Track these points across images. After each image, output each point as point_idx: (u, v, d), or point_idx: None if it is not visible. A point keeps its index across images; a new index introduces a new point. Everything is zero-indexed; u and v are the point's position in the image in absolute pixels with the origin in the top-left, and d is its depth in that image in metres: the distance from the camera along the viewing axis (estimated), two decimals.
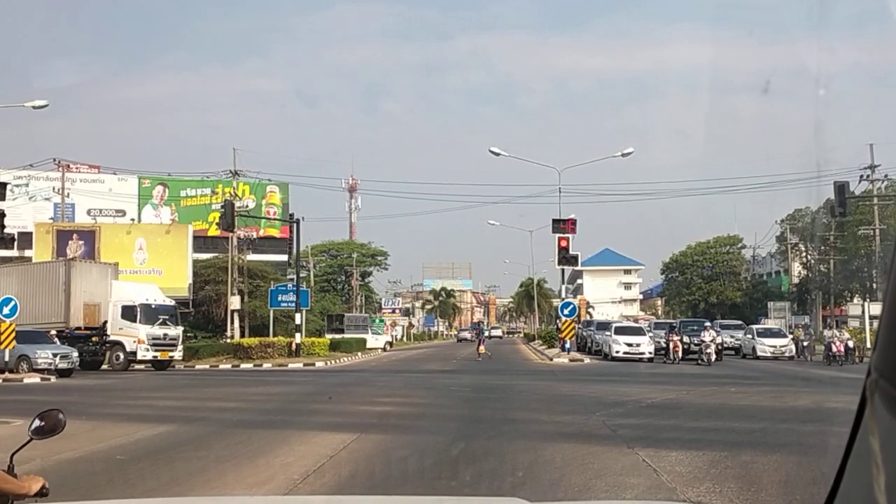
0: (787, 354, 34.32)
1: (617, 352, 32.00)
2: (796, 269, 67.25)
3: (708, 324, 34.22)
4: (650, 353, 31.94)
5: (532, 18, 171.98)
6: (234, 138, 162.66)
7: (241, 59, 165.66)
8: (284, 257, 50.11)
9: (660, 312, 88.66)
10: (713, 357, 29.88)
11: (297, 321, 37.23)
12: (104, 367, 30.39)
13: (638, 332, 34.30)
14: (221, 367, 33.13)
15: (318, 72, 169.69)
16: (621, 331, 34.32)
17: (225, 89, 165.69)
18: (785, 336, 37.26)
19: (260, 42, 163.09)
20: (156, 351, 30.49)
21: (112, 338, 30.42)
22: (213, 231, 48.86)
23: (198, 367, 33.32)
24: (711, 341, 30.16)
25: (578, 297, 76.86)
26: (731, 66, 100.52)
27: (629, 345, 32.08)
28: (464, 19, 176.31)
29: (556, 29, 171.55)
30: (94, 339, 30.66)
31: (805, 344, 33.39)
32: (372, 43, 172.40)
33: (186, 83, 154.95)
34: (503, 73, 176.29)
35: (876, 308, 37.12)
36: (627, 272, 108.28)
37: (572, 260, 34.18)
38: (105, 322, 30.71)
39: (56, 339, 28.22)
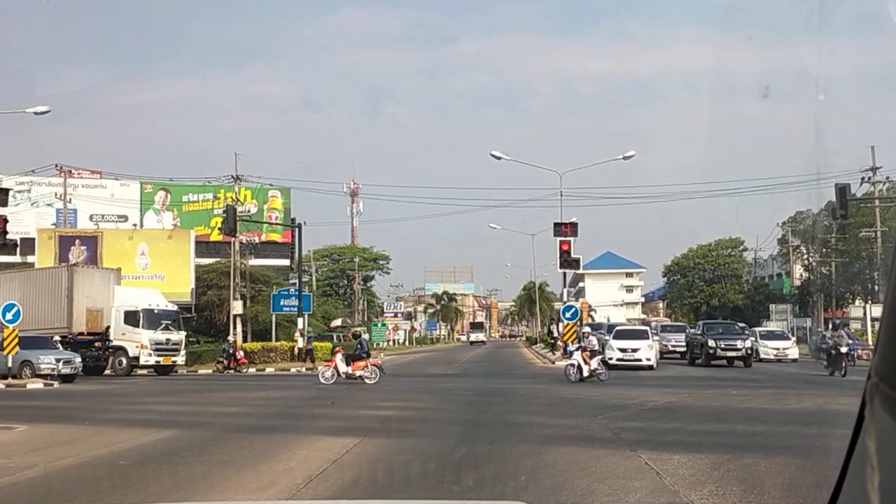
0: (790, 357, 34.23)
1: (610, 358, 28.15)
2: (798, 271, 67.29)
3: (741, 325, 32.56)
4: (648, 359, 28.07)
5: (537, 21, 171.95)
6: (238, 143, 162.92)
7: (246, 63, 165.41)
8: (286, 262, 50.05)
9: (662, 315, 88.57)
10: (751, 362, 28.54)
11: (300, 325, 37.26)
12: (107, 372, 30.42)
13: (639, 335, 30.20)
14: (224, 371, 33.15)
15: (322, 76, 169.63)
16: (621, 335, 30.68)
17: (229, 94, 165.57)
18: (788, 338, 37.23)
19: (265, 47, 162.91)
20: (158, 356, 30.51)
21: (115, 343, 30.47)
22: (216, 236, 48.91)
23: (200, 371, 33.33)
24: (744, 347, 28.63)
25: (580, 300, 76.74)
26: (733, 70, 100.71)
27: (623, 350, 28.39)
28: (469, 23, 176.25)
29: (561, 32, 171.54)
30: (96, 344, 30.70)
31: (839, 351, 25.13)
32: (377, 47, 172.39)
33: (190, 88, 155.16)
34: (508, 76, 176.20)
35: (878, 310, 37.01)
36: (629, 275, 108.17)
37: (574, 263, 34.18)
38: (108, 327, 30.76)
39: (59, 345, 28.27)
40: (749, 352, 29.22)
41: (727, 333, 30.50)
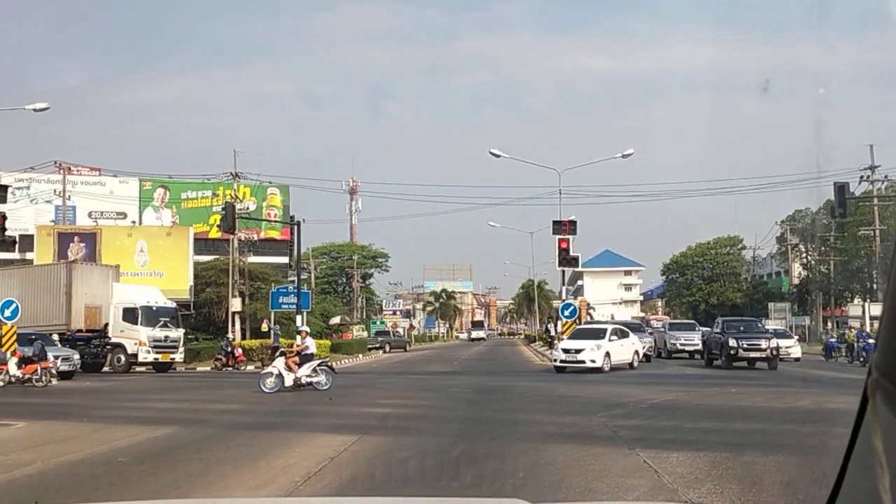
0: (792, 356, 34.06)
1: (554, 359, 26.62)
2: (797, 269, 67.32)
3: (761, 325, 31.23)
4: (593, 360, 25.03)
5: (538, 19, 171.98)
6: (237, 140, 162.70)
7: (246, 61, 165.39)
8: (285, 259, 50.10)
9: (661, 313, 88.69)
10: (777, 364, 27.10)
11: (299, 323, 37.20)
12: (105, 369, 30.43)
13: (594, 335, 26.84)
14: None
15: (322, 74, 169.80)
16: (575, 334, 28.08)
17: (229, 91, 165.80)
18: (790, 337, 37.16)
19: (266, 44, 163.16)
20: (157, 353, 30.52)
21: (113, 340, 30.48)
22: (214, 233, 48.89)
23: (199, 368, 33.32)
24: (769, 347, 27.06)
25: (579, 298, 76.79)
26: (732, 67, 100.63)
27: (566, 351, 25.88)
28: (470, 21, 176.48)
29: (561, 30, 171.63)
30: (95, 341, 30.69)
31: None
32: (377, 44, 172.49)
33: (190, 85, 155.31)
34: (508, 74, 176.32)
35: (876, 309, 37.03)
36: (628, 273, 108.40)
37: (573, 261, 34.16)
38: (106, 324, 30.76)
39: (57, 342, 28.25)
40: (774, 352, 27.06)
41: (749, 332, 28.16)
